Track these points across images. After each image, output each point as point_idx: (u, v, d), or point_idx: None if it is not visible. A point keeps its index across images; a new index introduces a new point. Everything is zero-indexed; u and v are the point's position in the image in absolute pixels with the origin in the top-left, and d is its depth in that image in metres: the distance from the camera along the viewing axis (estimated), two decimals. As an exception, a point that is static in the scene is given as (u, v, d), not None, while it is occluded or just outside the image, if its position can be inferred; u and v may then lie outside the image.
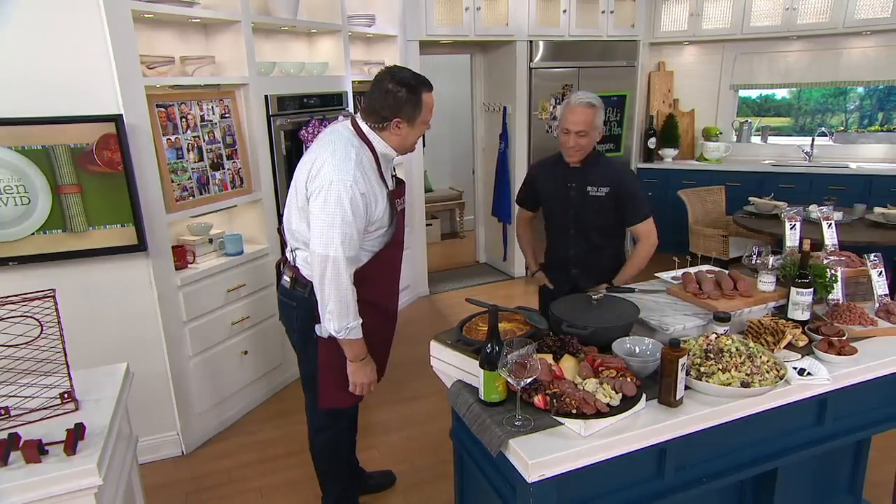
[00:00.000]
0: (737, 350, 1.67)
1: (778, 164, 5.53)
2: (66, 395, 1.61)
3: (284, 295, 2.14)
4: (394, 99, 1.89)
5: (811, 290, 1.97)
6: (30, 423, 1.55)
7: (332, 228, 1.83)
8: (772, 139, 5.97)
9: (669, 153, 5.82)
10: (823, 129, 5.73)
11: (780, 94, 6.24)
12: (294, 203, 1.99)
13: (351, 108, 3.87)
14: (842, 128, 5.92)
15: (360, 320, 1.94)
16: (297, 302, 2.08)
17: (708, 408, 1.57)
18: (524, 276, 5.34)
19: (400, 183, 2.13)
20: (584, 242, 2.53)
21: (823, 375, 1.71)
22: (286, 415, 3.27)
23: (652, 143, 5.82)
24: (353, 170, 1.85)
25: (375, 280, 2.04)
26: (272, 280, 3.36)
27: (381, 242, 2.03)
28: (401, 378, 3.52)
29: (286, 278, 2.11)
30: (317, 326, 1.98)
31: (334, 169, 1.84)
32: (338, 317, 1.89)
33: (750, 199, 4.47)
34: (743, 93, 6.07)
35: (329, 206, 1.83)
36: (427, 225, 5.34)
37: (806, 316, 1.99)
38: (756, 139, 5.96)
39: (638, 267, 2.51)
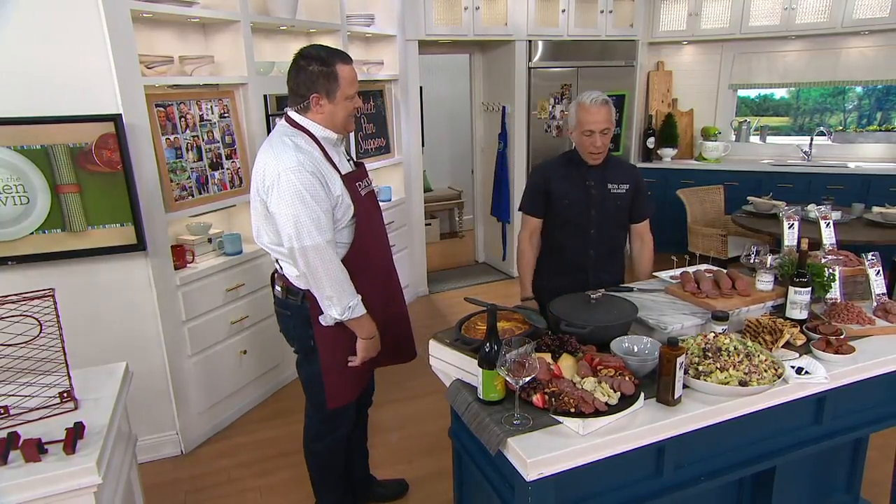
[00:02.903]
0: (735, 349, 1.67)
1: (777, 164, 5.53)
2: (65, 395, 1.62)
3: (278, 305, 2.12)
4: (306, 74, 1.86)
5: (809, 289, 1.98)
6: (29, 422, 1.56)
7: (299, 218, 1.80)
8: (770, 139, 5.97)
9: (668, 153, 5.83)
10: (822, 128, 5.74)
11: (779, 93, 6.24)
12: (259, 217, 1.96)
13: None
14: (840, 127, 5.93)
15: (360, 296, 1.92)
16: (292, 311, 2.06)
17: (706, 406, 1.58)
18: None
19: (359, 165, 2.09)
20: (604, 242, 2.49)
21: (821, 374, 1.72)
22: (285, 414, 3.27)
23: (651, 142, 5.83)
24: (295, 154, 1.82)
25: (356, 274, 1.96)
26: (271, 280, 3.36)
27: (350, 233, 1.97)
28: (400, 377, 3.52)
29: (278, 288, 2.09)
30: (321, 317, 1.95)
31: (276, 162, 1.82)
32: (337, 300, 1.87)
33: (749, 198, 4.48)
34: (742, 92, 6.07)
35: (286, 198, 1.80)
36: (426, 224, 5.33)
37: (804, 315, 1.99)
38: (755, 139, 5.96)
39: (651, 269, 2.55)
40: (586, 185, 2.43)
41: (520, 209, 2.60)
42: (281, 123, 1.97)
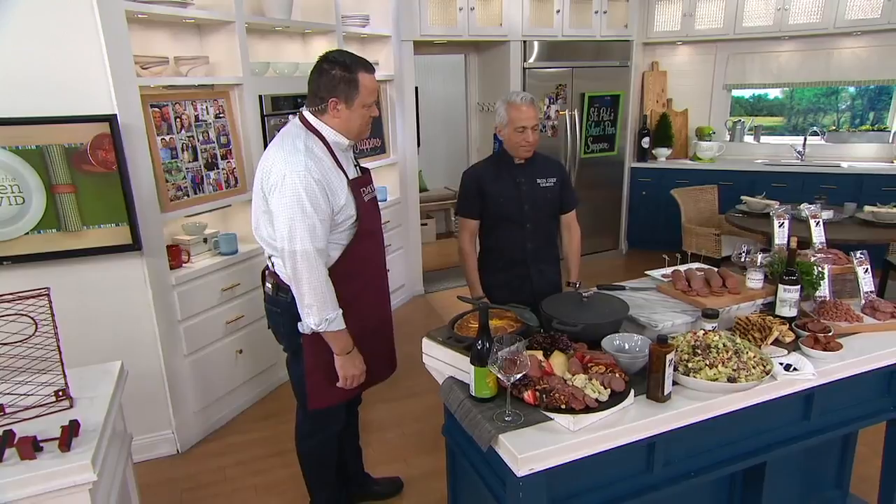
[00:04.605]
0: (724, 346, 1.69)
1: (770, 164, 5.56)
2: (60, 393, 1.63)
3: (269, 302, 2.13)
4: (328, 78, 1.88)
5: (798, 287, 2.00)
6: (25, 420, 1.57)
7: (295, 222, 1.82)
8: (764, 138, 6.00)
9: (663, 153, 5.85)
10: (815, 128, 5.77)
11: (773, 93, 6.27)
12: (258, 210, 1.98)
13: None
14: (833, 127, 5.96)
15: (341, 311, 1.93)
16: (282, 308, 2.06)
17: (695, 403, 1.60)
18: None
19: (364, 171, 2.12)
20: (539, 234, 2.60)
21: (809, 371, 1.74)
22: (281, 413, 3.28)
23: (646, 142, 5.85)
24: (304, 159, 1.84)
25: (351, 277, 2.01)
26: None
27: (349, 235, 2.00)
28: (395, 376, 3.51)
29: (269, 285, 2.10)
30: (299, 324, 1.96)
31: (284, 163, 1.84)
32: (316, 310, 1.88)
33: (742, 198, 4.50)
34: (736, 92, 6.10)
35: (286, 200, 1.82)
36: (422, 224, 5.35)
37: (793, 313, 2.01)
38: (749, 138, 5.99)
39: (580, 256, 2.71)
40: (517, 182, 2.53)
41: (456, 213, 2.70)
42: (294, 122, 1.98)
